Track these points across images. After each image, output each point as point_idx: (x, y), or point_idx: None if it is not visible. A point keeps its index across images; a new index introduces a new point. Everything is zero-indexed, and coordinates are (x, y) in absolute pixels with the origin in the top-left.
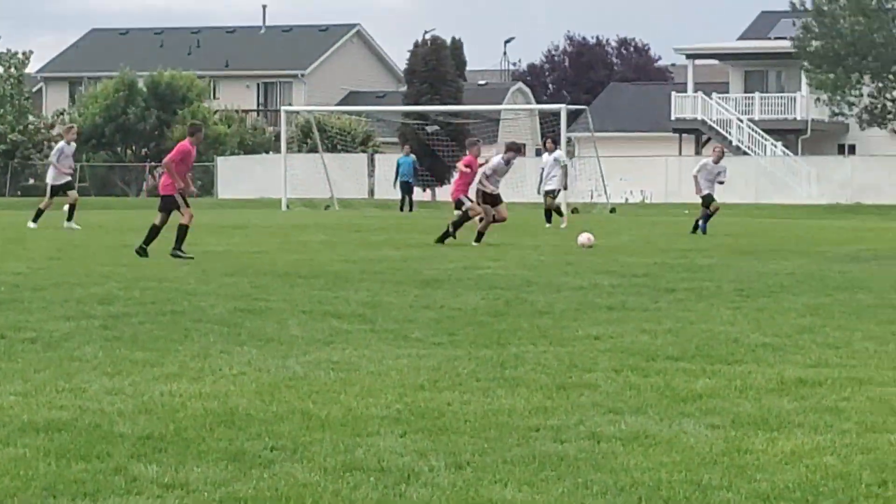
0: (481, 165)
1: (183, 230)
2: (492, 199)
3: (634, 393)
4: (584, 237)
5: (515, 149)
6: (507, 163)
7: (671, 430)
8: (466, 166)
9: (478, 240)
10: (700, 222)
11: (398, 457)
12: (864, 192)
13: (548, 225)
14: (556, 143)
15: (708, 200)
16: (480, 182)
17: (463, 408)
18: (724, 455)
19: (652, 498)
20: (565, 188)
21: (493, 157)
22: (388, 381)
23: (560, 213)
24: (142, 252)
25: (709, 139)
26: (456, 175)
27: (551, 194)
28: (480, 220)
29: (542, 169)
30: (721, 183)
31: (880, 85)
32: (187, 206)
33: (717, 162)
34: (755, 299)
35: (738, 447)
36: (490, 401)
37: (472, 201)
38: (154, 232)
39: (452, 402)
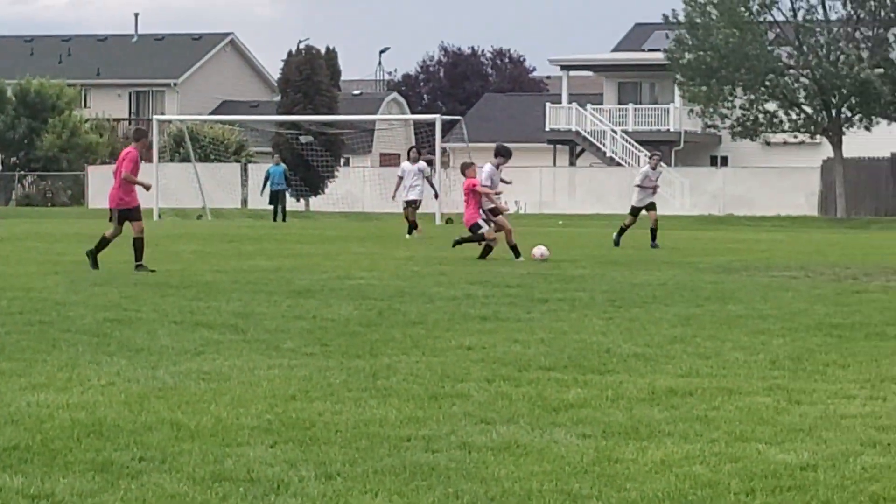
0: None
1: (139, 243)
2: (497, 211)
3: (506, 403)
4: (539, 250)
5: (506, 153)
6: (498, 167)
7: (542, 439)
8: (472, 190)
9: (518, 255)
10: (616, 235)
11: (268, 467)
12: (736, 203)
13: (408, 236)
14: (420, 153)
15: (651, 208)
16: (486, 198)
17: (334, 418)
18: (595, 464)
19: None
20: (436, 197)
21: (484, 168)
22: (258, 391)
23: (416, 226)
24: (93, 262)
25: (583, 150)
26: (463, 201)
27: (413, 205)
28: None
29: (400, 177)
30: (656, 188)
31: (752, 97)
32: (120, 223)
33: (654, 168)
34: (627, 309)
35: (609, 456)
36: (361, 411)
37: (488, 226)
38: (137, 246)
39: (324, 412)
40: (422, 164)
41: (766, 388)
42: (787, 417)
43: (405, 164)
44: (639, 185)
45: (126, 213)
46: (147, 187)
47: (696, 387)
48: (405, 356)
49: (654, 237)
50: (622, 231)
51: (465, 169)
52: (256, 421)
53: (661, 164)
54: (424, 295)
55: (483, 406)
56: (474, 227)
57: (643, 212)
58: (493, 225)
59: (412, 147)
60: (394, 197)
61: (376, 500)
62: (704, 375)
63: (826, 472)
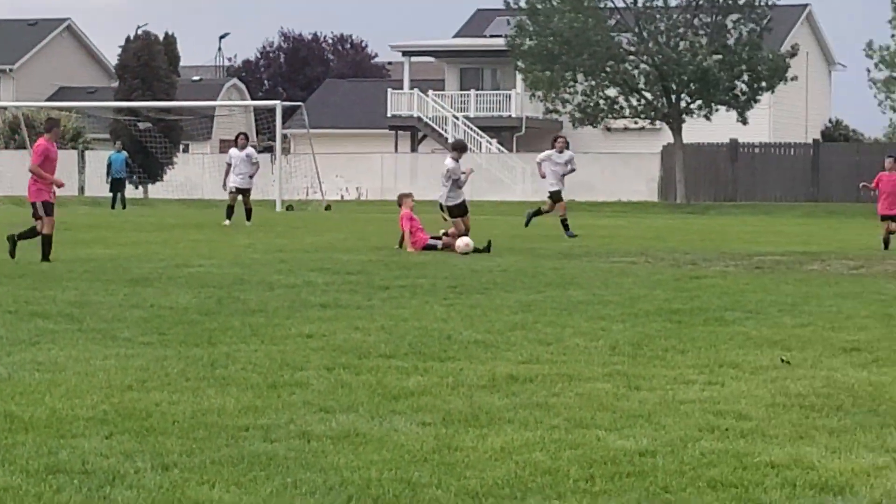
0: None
1: (32, 233)
2: (460, 211)
3: (346, 391)
4: (464, 242)
5: (461, 147)
6: (457, 161)
7: (382, 427)
8: (408, 218)
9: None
10: (529, 214)
11: (103, 458)
12: (577, 189)
13: (226, 222)
14: (248, 138)
15: (556, 197)
16: (449, 195)
17: (171, 408)
18: (435, 452)
19: (361, 496)
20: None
21: (446, 164)
22: (94, 381)
23: (235, 211)
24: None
25: (424, 136)
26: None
27: (246, 193)
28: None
29: (229, 164)
30: (573, 171)
31: (593, 83)
32: (49, 215)
33: (560, 152)
34: (468, 296)
35: (449, 444)
36: (199, 401)
37: (439, 239)
38: (46, 242)
39: (161, 402)
40: (250, 150)
41: (605, 375)
42: (627, 403)
43: (233, 151)
44: (539, 165)
45: (49, 206)
46: (59, 185)
47: (536, 373)
48: (244, 345)
49: (530, 220)
50: (537, 213)
51: (403, 200)
52: (92, 412)
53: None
54: (264, 283)
55: (322, 394)
56: (429, 248)
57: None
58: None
59: (240, 133)
60: (224, 184)
61: (213, 490)
62: (545, 362)
63: (665, 457)
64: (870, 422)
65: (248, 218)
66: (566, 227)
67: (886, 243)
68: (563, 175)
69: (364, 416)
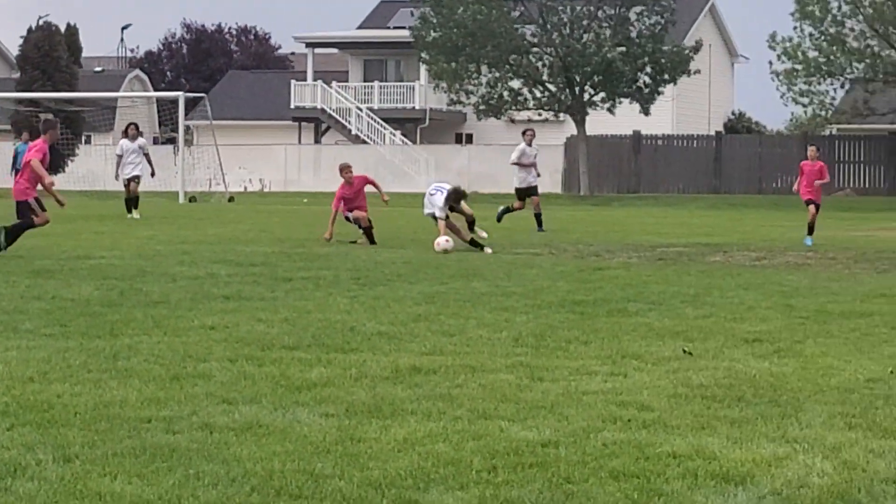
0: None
1: (21, 228)
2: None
3: (249, 382)
4: (443, 242)
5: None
6: (530, 144)
7: (285, 419)
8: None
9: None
10: (504, 208)
11: (4, 451)
12: (481, 180)
13: (129, 215)
14: (139, 129)
15: (532, 192)
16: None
17: (73, 400)
18: (338, 443)
19: (264, 488)
20: (152, 175)
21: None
22: None
23: (136, 205)
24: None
25: (328, 128)
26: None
27: (136, 180)
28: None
29: (119, 156)
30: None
31: (497, 75)
32: (43, 210)
33: (530, 145)
34: (372, 288)
35: (352, 435)
36: (101, 392)
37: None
38: (22, 229)
39: (62, 394)
40: (141, 140)
41: (509, 366)
42: (530, 394)
43: (124, 142)
44: (517, 164)
45: (25, 206)
46: (49, 182)
47: (439, 364)
48: (147, 336)
49: (539, 223)
50: (508, 210)
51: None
52: None
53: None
54: (167, 274)
55: (225, 386)
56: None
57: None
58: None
59: (130, 124)
60: (117, 176)
61: (115, 482)
62: (448, 353)
63: (567, 448)
64: (770, 412)
65: (135, 206)
66: (507, 210)
67: (811, 228)
68: (531, 168)
69: (267, 407)
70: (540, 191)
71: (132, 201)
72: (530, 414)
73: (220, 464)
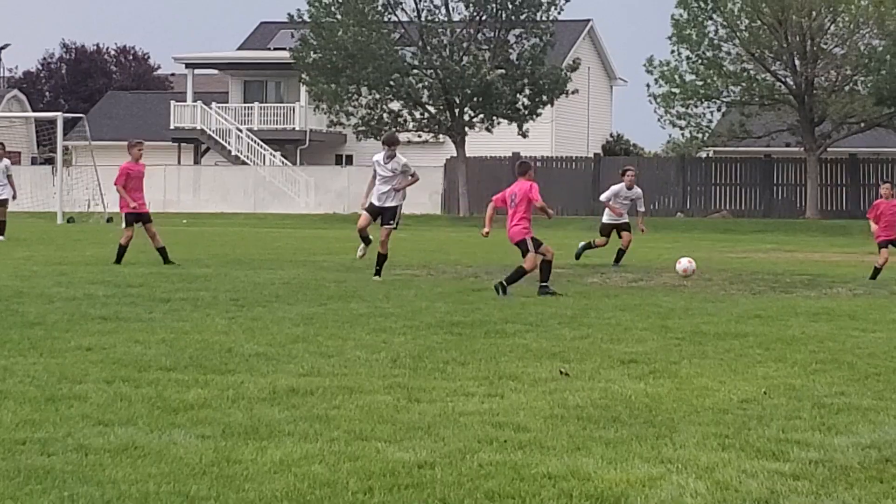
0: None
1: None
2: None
3: (125, 404)
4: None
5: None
6: (630, 188)
7: (161, 441)
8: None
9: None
10: (582, 245)
11: None
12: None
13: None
14: (5, 149)
15: (623, 228)
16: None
17: None
18: (214, 465)
19: None
20: (13, 198)
21: (616, 186)
22: None
23: (3, 231)
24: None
25: (208, 149)
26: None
27: (4, 204)
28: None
29: None
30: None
31: (377, 96)
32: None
33: (630, 188)
34: (250, 309)
35: (228, 457)
36: None
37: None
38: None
39: None
40: (6, 162)
41: (386, 387)
42: (407, 415)
43: None
44: (607, 205)
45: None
46: (132, 205)
47: (317, 386)
48: (22, 358)
49: (618, 258)
50: (589, 247)
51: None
52: None
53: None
54: (44, 295)
55: (101, 408)
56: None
57: (614, 232)
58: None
59: None
60: None
61: None
62: (326, 374)
63: (443, 469)
64: (646, 433)
65: (2, 232)
66: (588, 247)
67: (877, 272)
68: (622, 208)
69: (143, 429)
70: (419, 211)
71: (0, 225)
72: (407, 435)
73: (95, 486)
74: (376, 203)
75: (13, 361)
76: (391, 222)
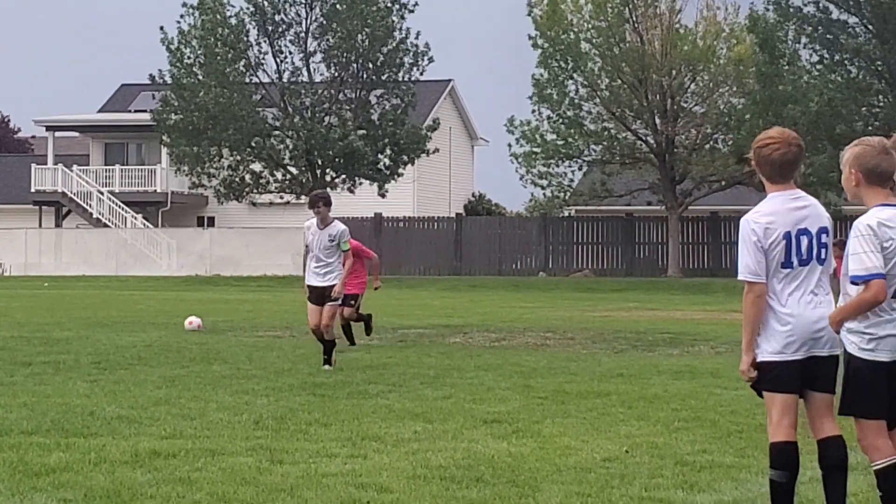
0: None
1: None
2: None
3: None
4: (195, 321)
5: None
6: None
7: None
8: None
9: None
10: None
11: None
12: (223, 263)
13: None
14: None
15: None
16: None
17: None
18: None
19: None
20: None
21: None
22: None
23: None
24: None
25: (69, 211)
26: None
27: None
28: None
29: None
30: None
31: (239, 157)
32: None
33: None
34: (113, 371)
35: None
36: None
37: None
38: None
39: None
40: None
41: (249, 449)
42: (270, 477)
43: None
44: None
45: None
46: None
47: (179, 448)
48: None
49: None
50: None
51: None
52: None
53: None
54: None
55: None
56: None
57: None
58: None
59: None
60: None
61: None
62: (188, 437)
63: None
64: (508, 493)
65: None
66: None
67: None
68: None
69: (5, 493)
70: (282, 273)
71: None
72: (270, 497)
73: None
74: (316, 283)
75: None
76: (336, 299)
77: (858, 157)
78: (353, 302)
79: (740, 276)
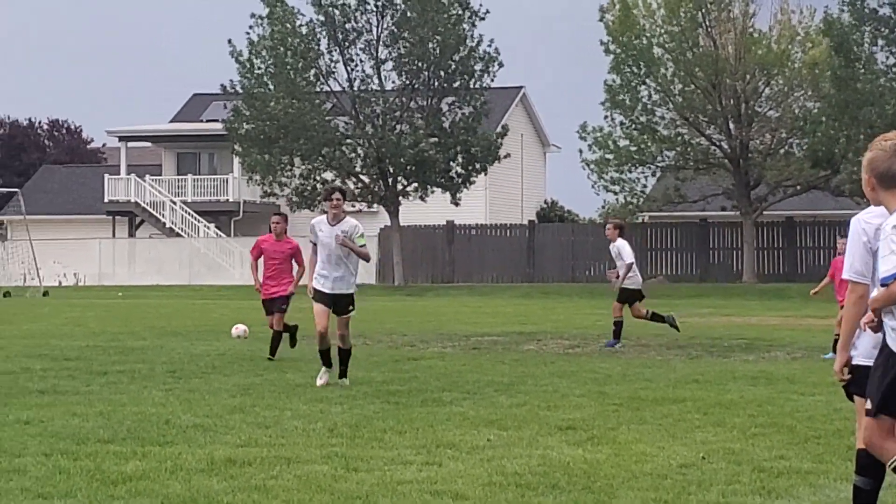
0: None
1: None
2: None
3: (64, 477)
4: (239, 329)
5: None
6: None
7: None
8: None
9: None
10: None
11: None
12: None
13: None
14: None
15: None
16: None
17: None
18: None
19: None
20: None
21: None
22: None
23: None
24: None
25: (142, 221)
26: None
27: None
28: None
29: None
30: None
31: (311, 166)
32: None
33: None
34: (187, 380)
35: None
36: None
37: None
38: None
39: None
40: None
41: (324, 456)
42: (345, 485)
43: None
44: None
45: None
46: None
47: (255, 456)
48: None
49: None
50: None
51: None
52: None
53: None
54: None
55: (40, 481)
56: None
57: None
58: None
59: None
60: None
61: None
62: (263, 445)
63: None
64: (584, 499)
65: None
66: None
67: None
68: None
69: (82, 501)
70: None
71: None
72: None
73: None
74: (326, 290)
75: None
76: (350, 308)
77: (871, 161)
78: (284, 307)
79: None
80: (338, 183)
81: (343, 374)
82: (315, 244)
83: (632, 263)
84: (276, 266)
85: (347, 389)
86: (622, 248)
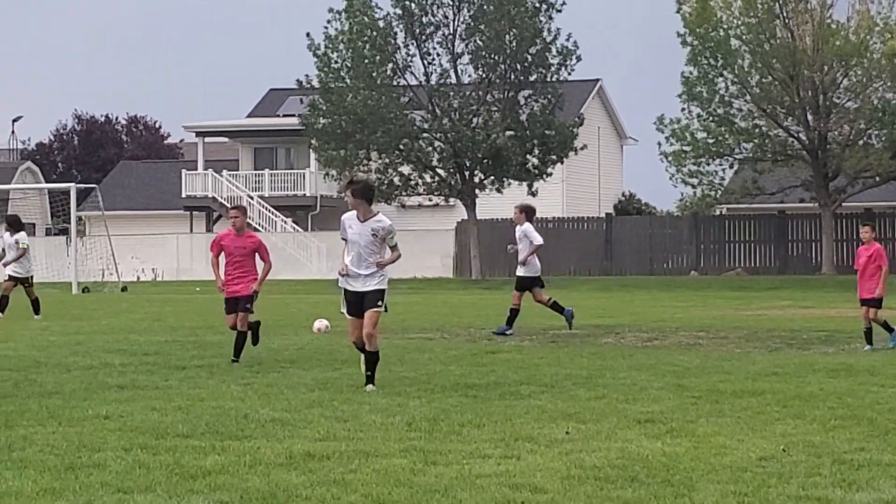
0: None
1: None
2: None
3: (144, 471)
4: (321, 324)
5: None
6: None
7: None
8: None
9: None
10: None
11: None
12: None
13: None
14: (13, 224)
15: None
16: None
17: None
18: None
19: None
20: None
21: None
22: None
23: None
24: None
25: (220, 216)
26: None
27: (26, 282)
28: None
29: (2, 249)
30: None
31: (388, 160)
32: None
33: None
34: (265, 375)
35: None
36: None
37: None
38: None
39: None
40: (19, 234)
41: (402, 450)
42: (424, 478)
43: (6, 236)
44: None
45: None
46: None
47: (333, 450)
48: (42, 427)
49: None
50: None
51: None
52: None
53: None
54: (61, 365)
55: (120, 475)
56: None
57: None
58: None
59: (10, 216)
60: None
61: None
62: (342, 439)
63: None
64: (664, 492)
65: (37, 311)
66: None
67: (869, 335)
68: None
69: (162, 496)
70: (431, 275)
71: (33, 304)
72: (424, 498)
73: None
74: (352, 287)
75: (32, 431)
76: (379, 304)
77: None
78: (248, 306)
79: None
80: (363, 179)
81: (370, 381)
82: (345, 240)
83: (540, 245)
84: (237, 262)
85: (424, 383)
86: (528, 232)
